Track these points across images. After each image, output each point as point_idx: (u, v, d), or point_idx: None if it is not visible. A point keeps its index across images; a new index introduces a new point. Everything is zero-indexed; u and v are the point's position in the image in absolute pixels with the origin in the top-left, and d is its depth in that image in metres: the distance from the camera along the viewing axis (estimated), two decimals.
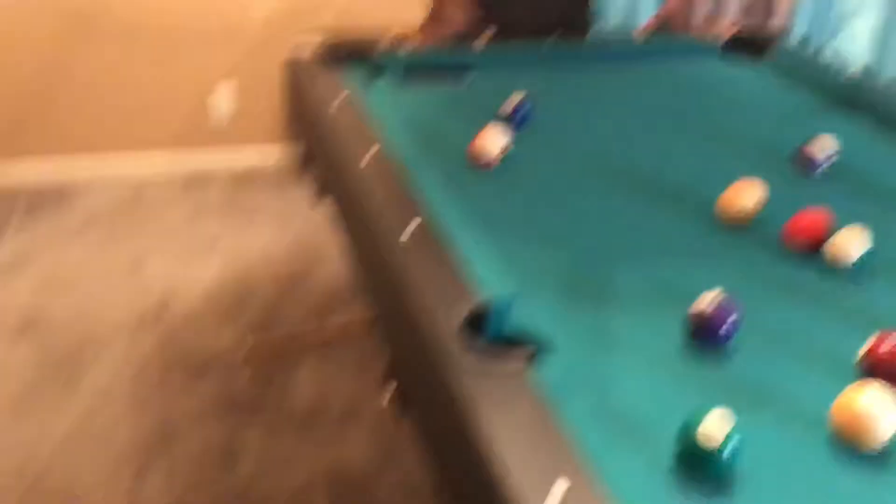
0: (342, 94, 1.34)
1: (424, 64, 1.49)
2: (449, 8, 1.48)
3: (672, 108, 1.46)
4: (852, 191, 1.20)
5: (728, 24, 1.66)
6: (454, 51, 1.54)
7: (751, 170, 1.19)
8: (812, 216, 1.02)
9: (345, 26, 2.48)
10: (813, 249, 0.99)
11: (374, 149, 1.16)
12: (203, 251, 2.55)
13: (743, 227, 1.08)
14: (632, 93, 1.50)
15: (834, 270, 0.99)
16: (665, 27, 1.63)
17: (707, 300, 0.86)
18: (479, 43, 1.54)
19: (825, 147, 1.20)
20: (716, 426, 0.75)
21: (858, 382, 0.80)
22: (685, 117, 1.42)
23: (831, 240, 0.98)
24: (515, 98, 1.30)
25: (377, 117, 1.29)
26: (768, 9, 2.41)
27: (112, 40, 2.76)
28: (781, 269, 1.00)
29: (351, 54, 1.50)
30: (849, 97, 1.37)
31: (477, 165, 1.15)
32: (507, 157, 1.21)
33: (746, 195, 1.08)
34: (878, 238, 1.02)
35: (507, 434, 0.72)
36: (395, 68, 1.47)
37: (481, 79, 1.50)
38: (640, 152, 1.30)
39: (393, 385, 0.94)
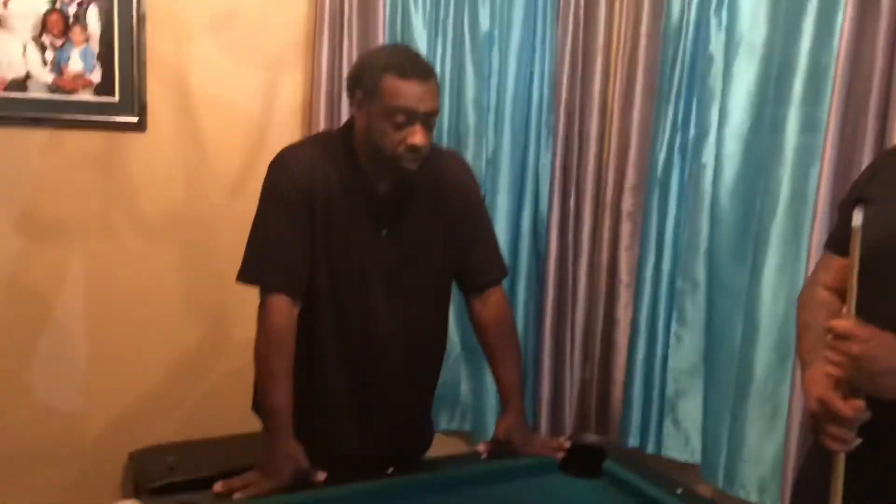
0: None
1: None
2: (277, 462, 1.57)
3: None
4: None
5: (562, 440, 1.78)
6: (284, 498, 1.54)
7: None
8: None
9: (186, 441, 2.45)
10: None
11: None
12: None
13: None
14: None
15: None
16: (502, 448, 1.74)
17: None
18: (312, 485, 1.58)
19: None
20: None
21: None
22: None
23: None
24: None
25: None
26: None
27: None
28: None
29: None
30: None
31: None
32: None
33: None
34: None
35: None
36: None
37: None
38: None
39: None
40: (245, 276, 1.68)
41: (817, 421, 1.28)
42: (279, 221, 1.65)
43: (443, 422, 2.79)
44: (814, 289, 1.53)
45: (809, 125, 2.13)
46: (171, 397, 2.52)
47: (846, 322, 1.23)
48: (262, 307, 1.66)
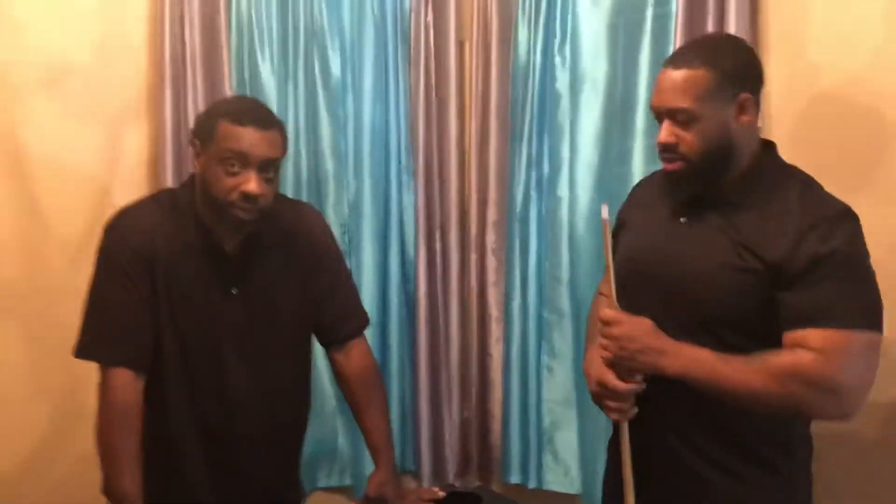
0: None
1: None
2: None
3: None
4: None
5: (436, 490, 1.84)
6: None
7: None
8: None
9: None
10: None
11: None
12: None
13: None
14: None
15: None
16: (374, 501, 1.75)
17: None
18: None
19: None
20: None
21: None
22: None
23: None
24: None
25: None
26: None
27: None
28: None
29: None
30: None
31: None
32: None
33: None
34: None
35: None
36: None
37: None
38: None
39: None
40: (82, 351, 1.57)
41: (598, 398, 1.51)
42: (116, 290, 1.56)
43: (321, 478, 2.70)
44: (597, 297, 1.82)
45: (653, 156, 2.21)
46: (19, 488, 2.32)
47: (609, 311, 1.44)
48: (103, 383, 1.55)
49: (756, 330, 1.41)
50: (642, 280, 1.52)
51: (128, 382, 1.53)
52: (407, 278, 2.76)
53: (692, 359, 1.38)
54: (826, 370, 1.33)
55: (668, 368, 1.38)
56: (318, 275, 1.74)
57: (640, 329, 1.40)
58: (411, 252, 2.74)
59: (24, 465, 2.31)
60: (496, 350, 2.69)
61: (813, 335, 1.34)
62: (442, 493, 1.75)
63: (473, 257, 2.73)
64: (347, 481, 2.71)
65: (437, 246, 2.75)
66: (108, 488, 1.53)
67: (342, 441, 2.71)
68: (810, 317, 1.35)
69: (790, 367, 1.34)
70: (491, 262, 2.69)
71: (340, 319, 1.79)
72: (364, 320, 1.85)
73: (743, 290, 1.40)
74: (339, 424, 2.69)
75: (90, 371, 1.65)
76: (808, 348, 1.34)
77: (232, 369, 1.64)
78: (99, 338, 1.56)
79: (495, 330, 2.69)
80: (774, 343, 1.39)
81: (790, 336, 1.37)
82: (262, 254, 1.67)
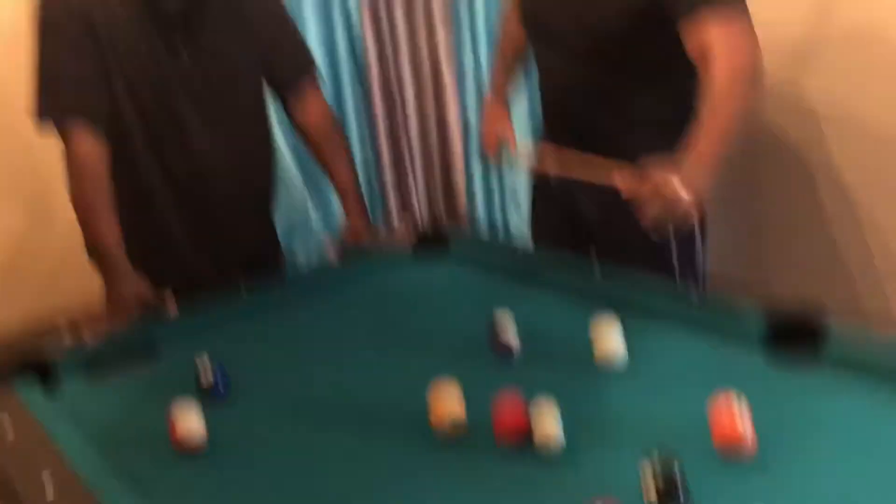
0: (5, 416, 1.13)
1: (107, 353, 1.35)
2: (120, 295, 1.50)
3: (374, 325, 1.48)
4: (544, 364, 1.24)
5: (406, 228, 1.80)
6: (139, 328, 1.44)
7: (453, 368, 1.17)
8: (509, 410, 1.05)
9: None
10: (523, 440, 1.03)
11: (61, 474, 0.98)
12: None
13: (460, 435, 1.07)
14: (335, 322, 1.51)
15: (544, 455, 1.00)
16: (350, 247, 1.73)
17: None
18: (166, 311, 1.49)
19: (514, 332, 1.26)
20: None
21: None
22: (388, 331, 1.45)
23: (533, 427, 1.02)
24: (208, 366, 1.21)
25: (60, 434, 1.10)
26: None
27: None
28: (499, 470, 1.01)
29: (20, 366, 1.28)
30: (524, 271, 1.55)
31: (185, 452, 1.08)
32: (215, 432, 1.09)
33: (448, 402, 1.07)
34: (569, 406, 1.04)
35: None
36: (73, 368, 1.30)
37: (176, 351, 1.37)
38: (351, 383, 1.28)
39: None
40: (39, 114, 1.57)
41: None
42: (59, 49, 1.54)
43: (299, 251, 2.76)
44: (506, 18, 1.86)
45: None
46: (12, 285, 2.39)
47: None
48: (66, 146, 1.57)
49: (648, 45, 1.53)
50: (551, 30, 1.64)
51: (89, 137, 1.53)
52: (356, 56, 2.71)
53: (709, 164, 1.36)
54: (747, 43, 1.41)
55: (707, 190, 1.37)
56: (263, 24, 1.73)
57: (671, 180, 1.33)
58: (358, 29, 2.68)
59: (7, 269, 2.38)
60: (452, 114, 2.72)
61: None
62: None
63: (421, 21, 2.69)
64: None
65: (383, 15, 2.69)
66: (89, 243, 1.59)
67: (314, 216, 2.75)
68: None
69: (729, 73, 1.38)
70: (439, 29, 2.66)
71: (291, 64, 1.78)
72: (314, 63, 1.85)
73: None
74: (308, 200, 2.72)
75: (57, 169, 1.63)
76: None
77: (195, 131, 1.66)
78: (50, 95, 1.54)
79: (451, 95, 2.71)
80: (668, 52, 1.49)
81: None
82: (206, 14, 1.64)
